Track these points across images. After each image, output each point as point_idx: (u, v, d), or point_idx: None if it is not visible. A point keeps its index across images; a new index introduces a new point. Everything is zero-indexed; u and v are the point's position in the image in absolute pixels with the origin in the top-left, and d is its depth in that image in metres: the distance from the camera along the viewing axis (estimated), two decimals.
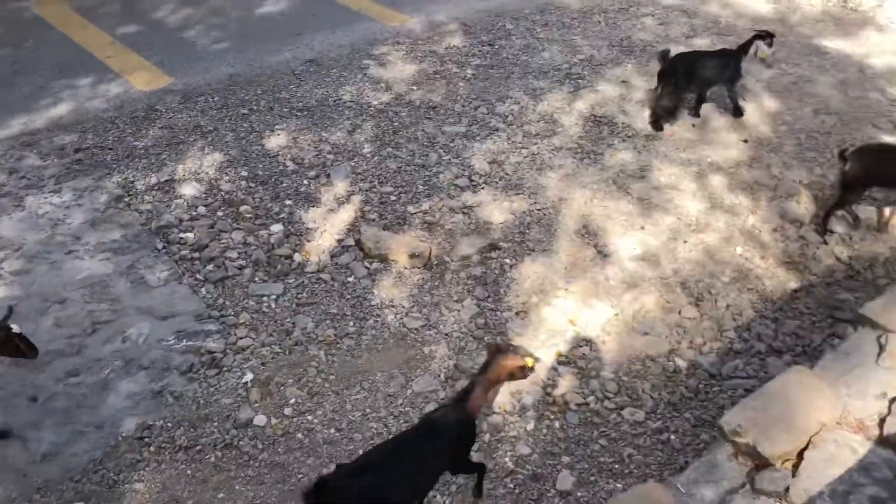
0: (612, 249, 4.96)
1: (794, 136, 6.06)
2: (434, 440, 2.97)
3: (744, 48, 6.04)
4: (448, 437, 2.99)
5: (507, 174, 5.66)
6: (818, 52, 7.31)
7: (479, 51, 7.31)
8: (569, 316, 4.46)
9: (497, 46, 7.38)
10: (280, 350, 4.26)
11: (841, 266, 4.82)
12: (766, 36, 6.04)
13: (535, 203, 5.37)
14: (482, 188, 5.50)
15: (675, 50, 6.30)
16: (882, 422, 2.62)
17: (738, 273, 4.77)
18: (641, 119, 6.27)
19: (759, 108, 6.41)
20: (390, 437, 3.50)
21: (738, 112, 6.25)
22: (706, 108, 6.34)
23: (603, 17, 7.96)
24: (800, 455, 2.51)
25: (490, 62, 7.12)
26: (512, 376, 3.07)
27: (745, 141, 6.02)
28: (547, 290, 4.65)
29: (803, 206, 5.28)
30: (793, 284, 4.69)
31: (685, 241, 5.04)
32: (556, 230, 5.13)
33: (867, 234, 5.05)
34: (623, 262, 4.87)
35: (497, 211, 5.28)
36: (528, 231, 5.12)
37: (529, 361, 3.04)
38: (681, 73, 5.96)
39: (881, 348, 2.90)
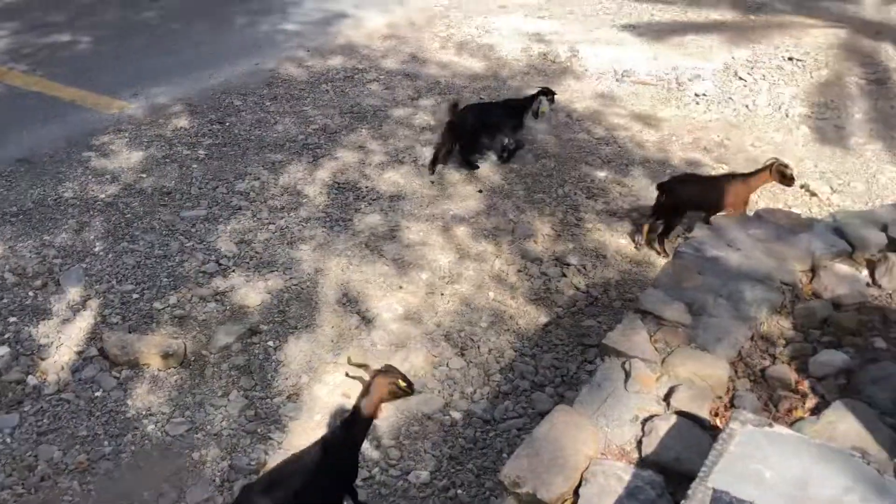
0: (374, 313, 4.99)
1: (523, 182, 6.54)
2: (329, 460, 3.18)
3: (528, 101, 6.59)
4: (339, 458, 3.23)
5: (257, 253, 5.51)
6: None
7: (210, 130, 7.12)
8: (342, 389, 4.38)
9: (228, 124, 7.24)
10: (24, 490, 3.74)
11: (581, 295, 5.23)
12: (549, 93, 6.62)
13: (291, 279, 5.26)
14: (233, 271, 5.30)
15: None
16: (639, 444, 2.83)
17: (494, 317, 5.00)
18: (383, 181, 6.44)
19: (488, 161, 6.84)
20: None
21: (506, 161, 6.73)
22: (440, 164, 6.66)
23: (330, 86, 8.12)
24: (575, 493, 2.64)
25: (223, 140, 6.95)
26: (393, 395, 3.29)
27: (481, 191, 6.39)
28: (316, 366, 4.55)
29: (540, 244, 5.70)
30: (543, 319, 5.00)
31: (442, 294, 5.20)
32: (316, 303, 5.06)
33: (597, 260, 5.54)
34: (387, 324, 4.91)
35: (252, 293, 5.11)
36: (287, 308, 5.00)
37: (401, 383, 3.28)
38: (468, 122, 6.42)
39: (627, 374, 3.15)
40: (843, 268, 3.73)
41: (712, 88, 8.22)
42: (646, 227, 5.68)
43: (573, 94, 8.16)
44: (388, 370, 3.28)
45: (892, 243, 3.88)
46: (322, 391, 4.38)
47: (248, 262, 5.40)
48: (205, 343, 4.67)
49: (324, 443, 3.24)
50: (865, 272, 3.75)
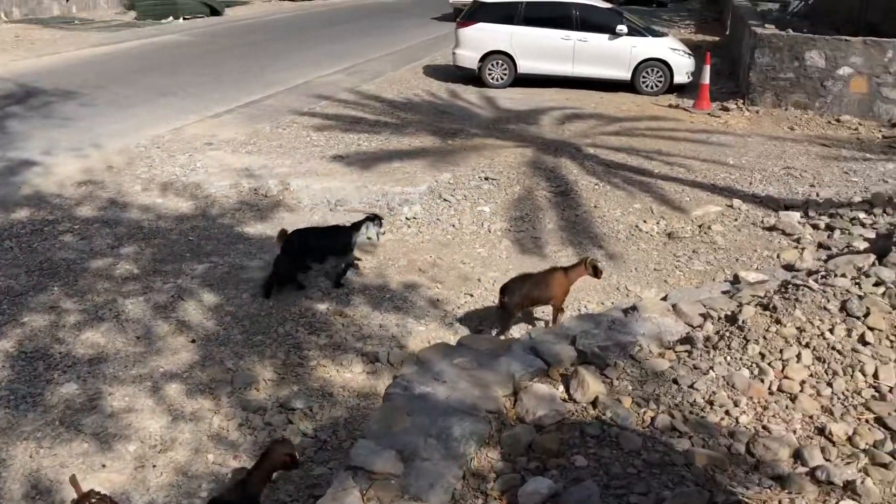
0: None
1: (240, 325, 6.23)
2: None
3: (356, 226, 6.86)
4: None
5: None
6: (243, 239, 7.78)
7: None
8: None
9: None
10: None
11: (309, 441, 4.96)
12: (376, 218, 7.04)
13: None
14: None
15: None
16: None
17: (215, 482, 4.55)
18: (81, 344, 5.79)
19: (200, 305, 6.47)
20: None
21: (339, 284, 6.83)
22: (147, 314, 6.17)
23: (15, 242, 7.32)
24: None
25: None
26: (285, 466, 3.76)
27: (193, 341, 5.97)
28: None
29: (262, 391, 5.39)
30: None
31: (154, 466, 4.66)
32: None
33: (324, 400, 5.34)
34: None
35: None
36: None
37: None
38: (297, 246, 6.61)
39: None
40: (541, 387, 3.86)
41: (421, 211, 8.59)
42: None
43: (289, 227, 8.09)
44: (284, 441, 3.72)
45: (581, 355, 4.14)
46: None
47: None
48: None
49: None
50: (561, 388, 3.93)
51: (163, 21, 24.92)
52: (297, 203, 8.79)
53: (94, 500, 3.47)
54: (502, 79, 15.56)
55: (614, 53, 15.06)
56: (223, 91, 14.43)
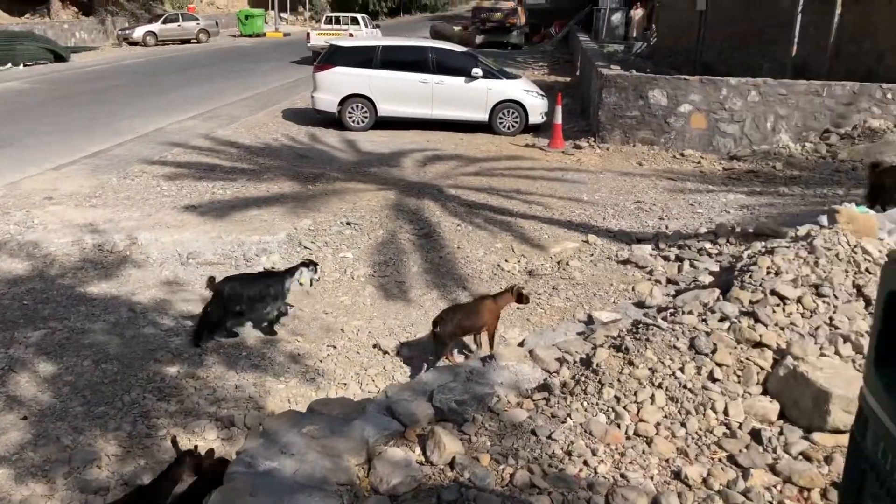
0: None
1: (80, 396, 5.72)
2: None
3: (290, 271, 6.78)
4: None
5: None
6: (85, 300, 7.23)
7: None
8: None
9: None
10: None
11: None
12: (311, 264, 6.93)
13: None
14: None
15: None
16: None
17: None
18: None
19: (35, 377, 5.91)
20: None
21: (271, 331, 6.72)
22: None
23: None
24: None
25: None
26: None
27: (25, 418, 5.42)
28: None
29: (105, 468, 4.93)
30: None
31: None
32: None
33: None
34: None
35: None
36: None
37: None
38: (227, 293, 6.50)
39: None
40: (396, 452, 3.68)
41: (280, 261, 8.30)
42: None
43: (135, 285, 7.60)
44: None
45: (438, 412, 4.02)
46: None
47: None
48: None
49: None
50: (418, 450, 3.77)
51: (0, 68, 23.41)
52: (145, 258, 8.29)
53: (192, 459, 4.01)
54: (363, 122, 15.52)
55: (471, 96, 15.37)
56: (67, 141, 13.61)
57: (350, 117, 15.50)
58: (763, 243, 5.62)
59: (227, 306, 6.59)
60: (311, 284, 7.16)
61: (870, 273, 4.84)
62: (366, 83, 15.35)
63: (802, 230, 5.64)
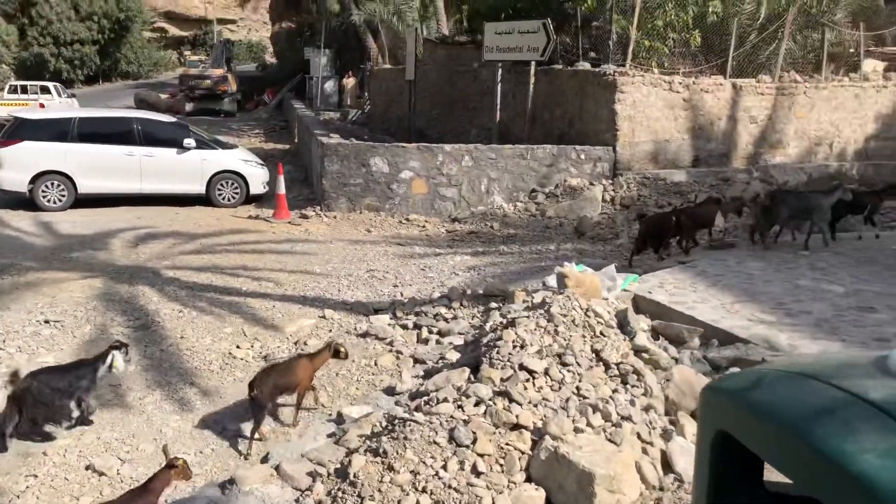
0: None
1: None
2: None
3: (100, 357, 6.26)
4: None
5: None
6: None
7: None
8: None
9: None
10: None
11: None
12: (122, 346, 6.42)
13: None
14: None
15: None
16: None
17: None
18: None
19: None
20: None
21: (88, 422, 6.18)
22: None
23: None
24: None
25: None
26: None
27: None
28: None
29: None
30: None
31: None
32: None
33: None
34: None
35: None
36: None
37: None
38: (35, 389, 5.86)
39: None
40: None
41: None
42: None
43: None
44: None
45: None
46: None
47: None
48: None
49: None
50: None
51: None
52: None
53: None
54: (60, 201, 13.88)
55: (185, 167, 14.47)
56: None
57: (44, 196, 13.80)
58: (501, 315, 5.64)
59: (38, 401, 5.96)
60: (123, 369, 6.51)
61: (604, 336, 5.03)
62: (61, 158, 13.80)
63: (538, 297, 5.77)
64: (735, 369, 5.27)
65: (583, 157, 14.89)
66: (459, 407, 4.25)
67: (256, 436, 5.88)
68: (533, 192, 14.61)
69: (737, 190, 14.41)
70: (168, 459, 4.54)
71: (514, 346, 4.84)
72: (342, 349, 6.38)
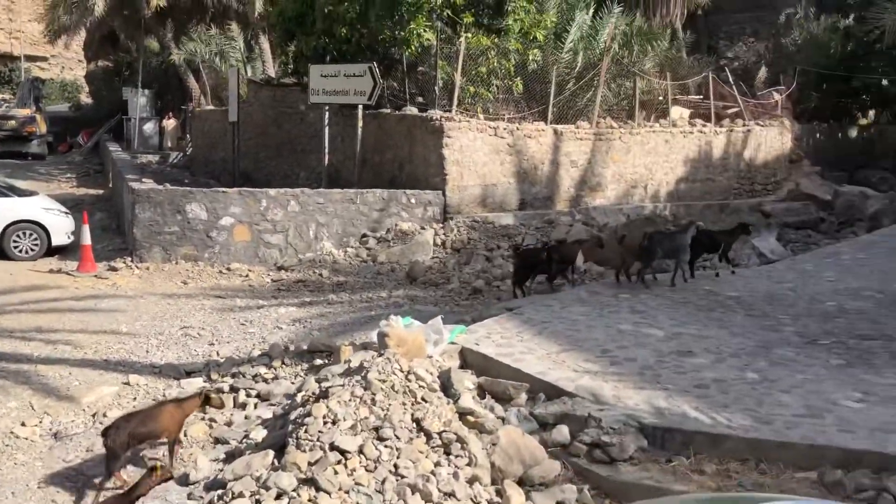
0: None
1: None
2: None
3: None
4: None
5: None
6: None
7: None
8: None
9: None
10: None
11: None
12: None
13: None
14: None
15: None
16: None
17: None
18: None
19: None
20: None
21: None
22: None
23: None
24: None
25: None
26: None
27: None
28: None
29: None
30: None
31: None
32: None
33: None
34: None
35: None
36: None
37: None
38: None
39: None
40: None
41: None
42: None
43: None
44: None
45: None
46: None
47: None
48: None
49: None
50: None
51: None
52: None
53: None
54: None
55: None
56: None
57: None
58: (317, 380, 5.15)
59: None
60: None
61: (426, 402, 4.68)
62: None
63: (356, 360, 5.35)
64: (562, 427, 5.10)
65: (413, 201, 14.73)
66: (257, 502, 3.71)
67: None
68: (364, 238, 14.25)
69: (560, 232, 14.76)
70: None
71: (326, 423, 4.36)
72: (214, 395, 6.12)
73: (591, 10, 19.84)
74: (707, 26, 39.08)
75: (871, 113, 29.81)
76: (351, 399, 4.53)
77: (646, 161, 18.72)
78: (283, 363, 8.13)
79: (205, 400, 6.05)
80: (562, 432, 5.04)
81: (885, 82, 26.87)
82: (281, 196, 13.52)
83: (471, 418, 4.93)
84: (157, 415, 5.83)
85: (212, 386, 6.70)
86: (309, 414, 4.40)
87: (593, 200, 17.71)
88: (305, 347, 8.55)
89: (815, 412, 5.17)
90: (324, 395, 4.70)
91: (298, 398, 4.91)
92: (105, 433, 5.68)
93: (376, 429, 4.33)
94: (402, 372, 4.90)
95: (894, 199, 18.73)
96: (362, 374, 4.82)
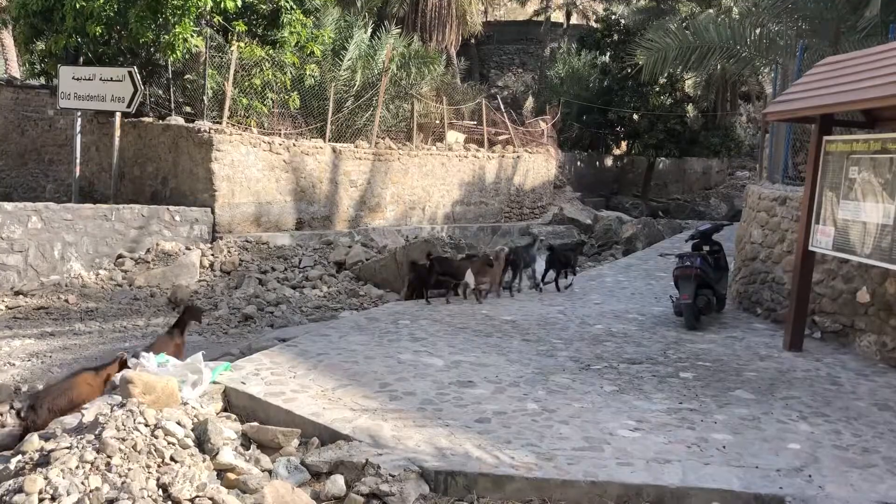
0: None
1: None
2: None
3: None
4: None
5: None
6: None
7: None
8: None
9: None
10: None
11: None
12: None
13: None
14: None
15: None
16: None
17: None
18: None
19: None
20: None
21: None
22: None
23: None
24: None
25: None
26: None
27: None
28: None
29: None
30: None
31: None
32: None
33: None
34: None
35: None
36: None
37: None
38: None
39: None
40: None
41: None
42: None
43: None
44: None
45: None
46: None
47: None
48: None
49: None
50: None
51: None
52: None
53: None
54: None
55: None
56: None
57: None
58: (41, 438, 4.21)
59: None
60: None
61: (176, 462, 3.95)
62: None
63: (90, 412, 4.47)
64: (337, 477, 4.60)
65: (178, 218, 13.58)
66: None
67: None
68: (120, 258, 12.87)
69: (340, 253, 14.31)
70: None
71: (43, 500, 3.52)
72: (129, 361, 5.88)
73: (370, 30, 19.73)
74: (480, 55, 40.80)
75: (624, 144, 32.55)
76: (79, 466, 3.69)
77: (423, 183, 18.82)
78: (10, 408, 6.88)
79: (122, 365, 5.85)
80: (336, 483, 4.54)
81: (635, 116, 29.44)
82: (20, 211, 11.83)
83: (231, 475, 4.28)
84: (75, 385, 5.69)
85: None
86: (20, 489, 3.51)
87: (373, 221, 17.48)
88: (41, 387, 7.34)
89: (595, 444, 5.10)
90: (44, 461, 3.81)
91: (12, 464, 3.95)
92: (19, 415, 5.55)
93: (110, 502, 3.56)
94: (148, 427, 4.13)
95: (646, 225, 20.34)
96: (96, 433, 3.99)
